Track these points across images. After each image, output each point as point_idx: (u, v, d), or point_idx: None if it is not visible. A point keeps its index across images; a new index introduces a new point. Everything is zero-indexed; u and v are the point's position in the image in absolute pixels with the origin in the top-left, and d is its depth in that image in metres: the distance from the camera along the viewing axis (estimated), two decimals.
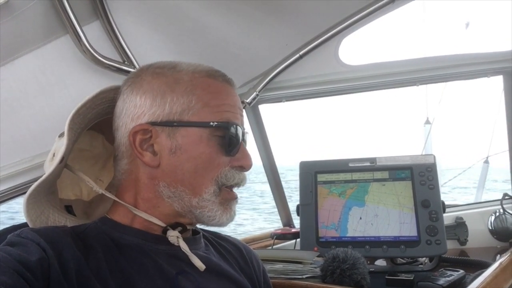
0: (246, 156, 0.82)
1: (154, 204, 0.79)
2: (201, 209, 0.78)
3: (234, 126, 0.79)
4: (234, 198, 0.82)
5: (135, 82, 0.81)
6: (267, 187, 1.95)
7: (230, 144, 0.79)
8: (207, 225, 0.81)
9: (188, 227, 0.82)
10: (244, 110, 1.48)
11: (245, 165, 0.81)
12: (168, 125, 0.77)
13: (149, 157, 0.78)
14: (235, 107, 0.82)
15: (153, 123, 0.78)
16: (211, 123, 0.77)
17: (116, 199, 0.82)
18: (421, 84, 1.55)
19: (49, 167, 0.78)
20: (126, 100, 0.81)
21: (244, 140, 0.83)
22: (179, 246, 0.78)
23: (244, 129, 0.83)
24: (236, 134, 0.79)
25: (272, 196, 1.92)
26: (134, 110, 0.79)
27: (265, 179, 1.88)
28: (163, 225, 0.79)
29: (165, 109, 0.78)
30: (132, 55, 1.06)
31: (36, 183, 0.76)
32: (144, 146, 0.79)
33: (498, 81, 1.69)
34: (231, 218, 0.81)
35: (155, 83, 0.80)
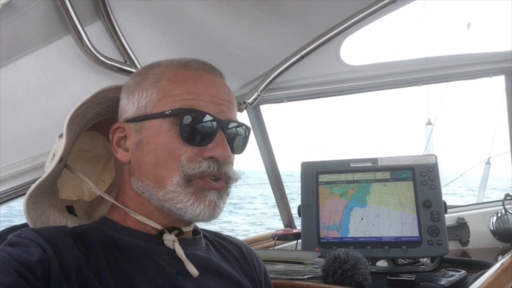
0: (218, 146, 0.75)
1: (139, 202, 0.79)
2: (169, 202, 0.74)
3: (195, 113, 0.74)
4: (210, 187, 0.75)
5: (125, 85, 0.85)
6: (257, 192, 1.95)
7: (189, 132, 0.74)
8: (188, 220, 0.77)
9: (185, 229, 0.81)
10: (245, 110, 1.50)
11: (216, 156, 0.75)
12: (136, 121, 0.78)
13: (121, 153, 0.80)
14: (204, 95, 0.77)
15: (126, 120, 0.80)
16: (166, 112, 0.75)
17: (111, 199, 0.82)
18: (422, 84, 1.55)
19: (48, 168, 0.78)
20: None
21: (226, 131, 0.77)
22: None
23: (227, 119, 0.78)
24: (200, 122, 0.74)
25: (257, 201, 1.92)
26: (119, 111, 0.83)
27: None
28: (159, 227, 0.78)
29: (134, 106, 0.79)
30: (134, 55, 1.06)
31: (35, 184, 0.76)
32: (122, 144, 0.81)
33: (500, 81, 1.69)
34: (207, 210, 0.75)
35: (131, 82, 0.82)
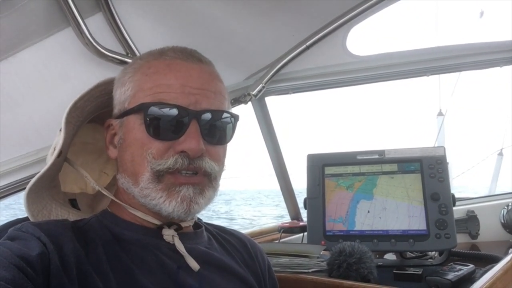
0: (189, 139, 0.72)
1: (128, 197, 0.79)
2: (145, 198, 0.74)
3: (158, 107, 0.72)
4: (181, 182, 0.73)
5: None
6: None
7: (154, 127, 0.72)
8: (166, 217, 0.75)
9: (183, 224, 0.80)
10: (250, 102, 1.48)
11: (185, 149, 0.72)
12: (119, 117, 0.78)
13: (111, 150, 0.81)
14: (176, 86, 0.73)
15: (114, 117, 0.80)
16: (135, 108, 0.74)
17: (110, 195, 0.82)
18: (431, 74, 1.51)
19: (48, 161, 0.78)
20: None
21: (200, 121, 0.73)
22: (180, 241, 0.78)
23: (203, 109, 0.74)
24: (165, 116, 0.71)
25: None
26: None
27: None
28: (158, 223, 0.78)
29: (119, 102, 0.79)
30: (136, 48, 1.05)
31: (35, 178, 0.76)
32: (114, 141, 0.80)
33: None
34: (181, 206, 0.72)
35: (117, 78, 0.82)
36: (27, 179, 0.99)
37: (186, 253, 0.77)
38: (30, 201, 0.79)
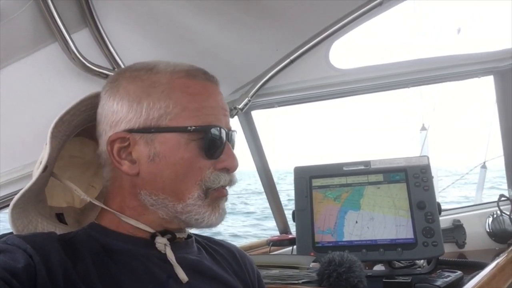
0: (230, 157, 0.79)
1: (140, 212, 0.78)
2: (187, 213, 0.76)
3: (216, 129, 0.76)
4: (223, 195, 0.79)
5: (112, 87, 0.79)
6: None
7: (211, 147, 0.76)
8: (197, 228, 0.79)
9: (178, 234, 0.80)
10: (236, 115, 1.50)
11: (229, 167, 0.78)
12: (146, 132, 0.75)
13: (127, 165, 0.77)
14: (217, 108, 0.79)
15: (131, 130, 0.76)
16: (189, 128, 0.75)
17: (104, 206, 0.80)
18: (412, 86, 1.56)
19: (34, 176, 0.77)
20: (104, 107, 0.79)
21: (230, 140, 0.81)
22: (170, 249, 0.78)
23: (229, 129, 0.80)
24: (219, 137, 0.77)
25: None
26: (111, 117, 0.78)
27: None
28: (152, 231, 0.77)
29: (142, 115, 0.76)
30: (122, 62, 1.06)
31: (19, 193, 0.74)
32: (122, 155, 0.77)
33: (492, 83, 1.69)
34: (220, 217, 0.79)
35: (131, 88, 0.78)
36: (13, 194, 0.98)
37: (176, 263, 0.76)
38: (15, 216, 0.77)
